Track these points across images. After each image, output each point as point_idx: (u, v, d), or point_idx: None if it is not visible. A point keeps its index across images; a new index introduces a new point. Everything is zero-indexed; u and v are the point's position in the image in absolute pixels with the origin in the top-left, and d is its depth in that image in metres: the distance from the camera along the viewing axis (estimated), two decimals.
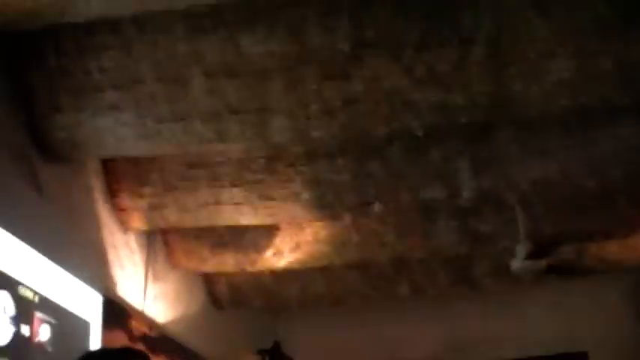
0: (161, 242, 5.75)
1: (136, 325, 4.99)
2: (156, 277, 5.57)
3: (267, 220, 5.12)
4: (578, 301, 7.06)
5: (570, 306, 7.08)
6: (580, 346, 6.98)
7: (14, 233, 3.74)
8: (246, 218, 5.02)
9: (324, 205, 4.88)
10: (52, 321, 4.00)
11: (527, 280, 5.61)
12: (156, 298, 5.53)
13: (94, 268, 4.69)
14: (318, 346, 7.14)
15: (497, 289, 6.87)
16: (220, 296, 6.70)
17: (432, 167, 4.74)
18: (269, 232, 5.47)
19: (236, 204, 4.83)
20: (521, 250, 5.26)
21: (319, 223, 5.33)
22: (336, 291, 6.74)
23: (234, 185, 4.73)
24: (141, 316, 5.20)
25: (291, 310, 6.54)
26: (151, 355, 2.18)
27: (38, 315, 3.90)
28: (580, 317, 7.05)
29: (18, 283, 3.75)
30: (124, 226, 5.12)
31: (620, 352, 6.94)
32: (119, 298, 4.96)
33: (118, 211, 5.03)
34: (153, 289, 5.49)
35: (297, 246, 5.55)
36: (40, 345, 3.89)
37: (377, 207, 4.87)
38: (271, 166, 4.67)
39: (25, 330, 3.77)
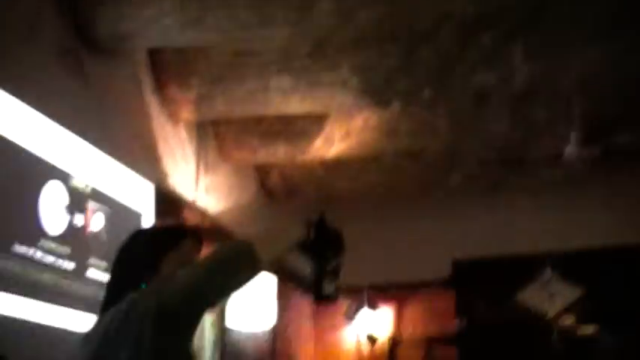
0: (211, 134, 5.76)
1: (188, 215, 5.06)
2: (207, 169, 5.60)
3: (316, 108, 5.07)
4: (633, 191, 6.91)
5: (625, 197, 6.93)
6: (636, 237, 6.86)
7: (66, 126, 3.77)
8: (295, 106, 4.98)
9: (374, 92, 4.80)
10: (105, 211, 4.08)
11: (581, 168, 5.50)
12: (208, 190, 5.58)
13: (145, 159, 4.73)
14: (370, 237, 7.16)
15: (552, 179, 6.76)
16: (272, 187, 6.75)
17: (484, 52, 4.61)
18: (319, 120, 5.42)
19: (284, 92, 4.78)
20: (576, 136, 5.13)
21: (369, 111, 5.26)
22: (388, 180, 6.73)
23: (281, 73, 4.67)
24: (193, 206, 5.26)
25: (343, 200, 6.53)
26: (203, 245, 2.19)
27: (91, 205, 3.97)
28: (636, 208, 6.91)
29: (70, 174, 3.80)
30: (173, 117, 5.13)
31: None
32: (171, 188, 5.02)
33: (167, 102, 5.03)
34: (205, 180, 5.54)
35: (348, 134, 5.50)
36: (95, 233, 3.98)
37: (427, 93, 4.78)
38: (318, 52, 4.58)
39: (78, 219, 3.85)
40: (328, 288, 2.15)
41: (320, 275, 2.15)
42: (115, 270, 2.10)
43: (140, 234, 2.23)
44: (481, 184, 6.95)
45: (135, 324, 1.83)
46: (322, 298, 2.16)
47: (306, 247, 2.09)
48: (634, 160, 6.32)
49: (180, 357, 1.92)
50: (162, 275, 1.95)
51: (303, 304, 7.58)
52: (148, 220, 4.52)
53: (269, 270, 1.99)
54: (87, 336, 1.98)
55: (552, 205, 7.09)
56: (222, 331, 5.53)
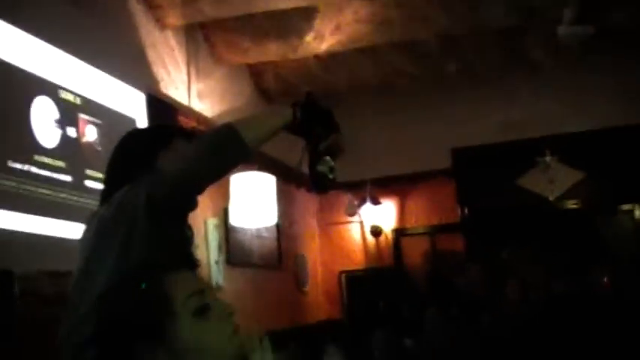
0: (201, 37, 5.67)
1: (183, 121, 5.03)
2: (200, 73, 5.54)
3: (304, 2, 4.95)
4: (630, 72, 6.82)
5: (623, 78, 6.84)
6: (635, 118, 6.80)
7: (48, 40, 3.71)
8: (283, 2, 4.87)
9: None
10: (98, 121, 4.05)
11: (576, 47, 5.39)
12: (202, 94, 5.53)
13: (134, 68, 4.66)
14: (368, 132, 7.15)
15: (551, 64, 6.67)
16: (267, 86, 6.69)
17: None
18: (308, 14, 5.31)
19: None
20: (569, 14, 5.01)
21: (358, 2, 5.14)
22: (383, 73, 6.66)
23: None
24: (188, 111, 5.23)
25: (340, 96, 6.47)
26: None
27: (82, 116, 3.94)
28: (634, 88, 6.82)
29: (58, 87, 3.76)
30: (161, 23, 5.04)
31: None
32: (163, 95, 4.97)
33: (153, 8, 4.93)
34: (198, 85, 5.49)
35: (338, 28, 5.39)
36: (89, 144, 3.96)
37: None
38: None
39: (71, 132, 3.83)
40: (322, 168, 2.07)
41: (313, 156, 2.07)
42: (110, 169, 2.13)
43: (133, 134, 2.25)
44: (479, 73, 6.88)
45: (128, 212, 1.87)
46: (317, 178, 2.08)
47: (295, 128, 2.01)
48: (630, 41, 6.23)
49: (174, 241, 1.96)
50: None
51: (308, 203, 7.63)
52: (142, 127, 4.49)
53: (255, 153, 1.96)
54: (85, 230, 2.02)
55: (550, 89, 7.03)
56: (226, 232, 5.59)
